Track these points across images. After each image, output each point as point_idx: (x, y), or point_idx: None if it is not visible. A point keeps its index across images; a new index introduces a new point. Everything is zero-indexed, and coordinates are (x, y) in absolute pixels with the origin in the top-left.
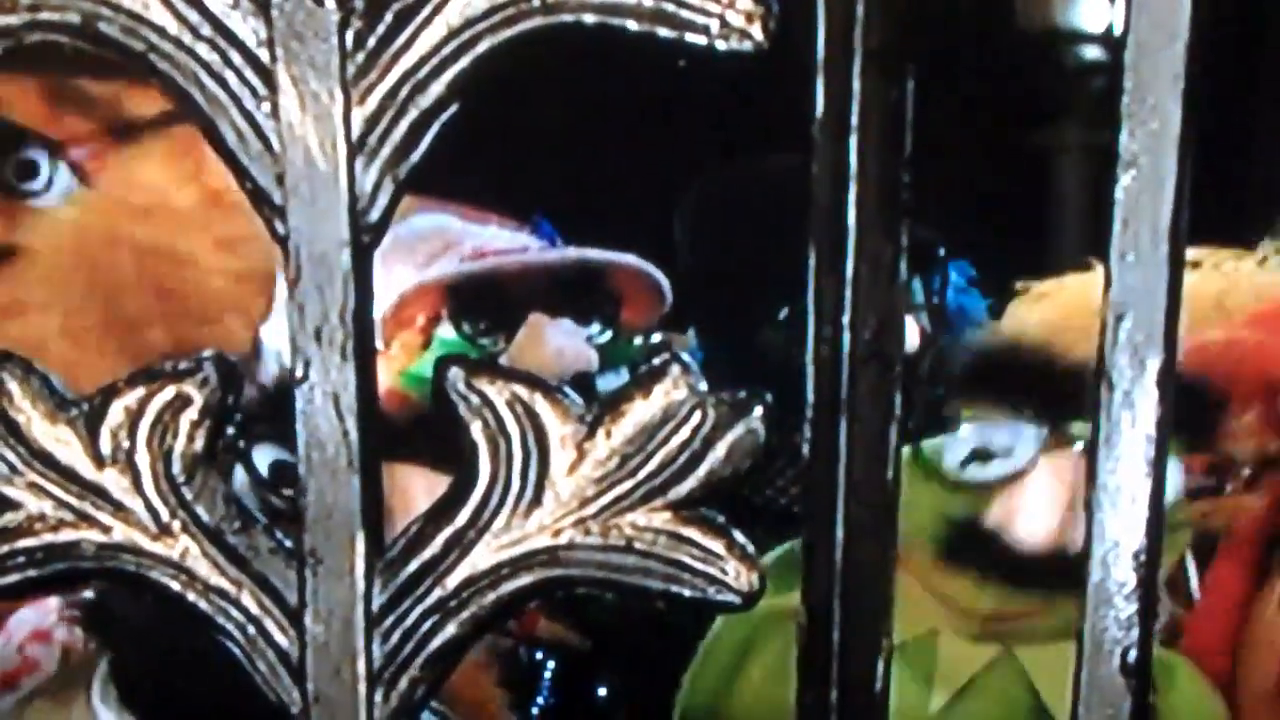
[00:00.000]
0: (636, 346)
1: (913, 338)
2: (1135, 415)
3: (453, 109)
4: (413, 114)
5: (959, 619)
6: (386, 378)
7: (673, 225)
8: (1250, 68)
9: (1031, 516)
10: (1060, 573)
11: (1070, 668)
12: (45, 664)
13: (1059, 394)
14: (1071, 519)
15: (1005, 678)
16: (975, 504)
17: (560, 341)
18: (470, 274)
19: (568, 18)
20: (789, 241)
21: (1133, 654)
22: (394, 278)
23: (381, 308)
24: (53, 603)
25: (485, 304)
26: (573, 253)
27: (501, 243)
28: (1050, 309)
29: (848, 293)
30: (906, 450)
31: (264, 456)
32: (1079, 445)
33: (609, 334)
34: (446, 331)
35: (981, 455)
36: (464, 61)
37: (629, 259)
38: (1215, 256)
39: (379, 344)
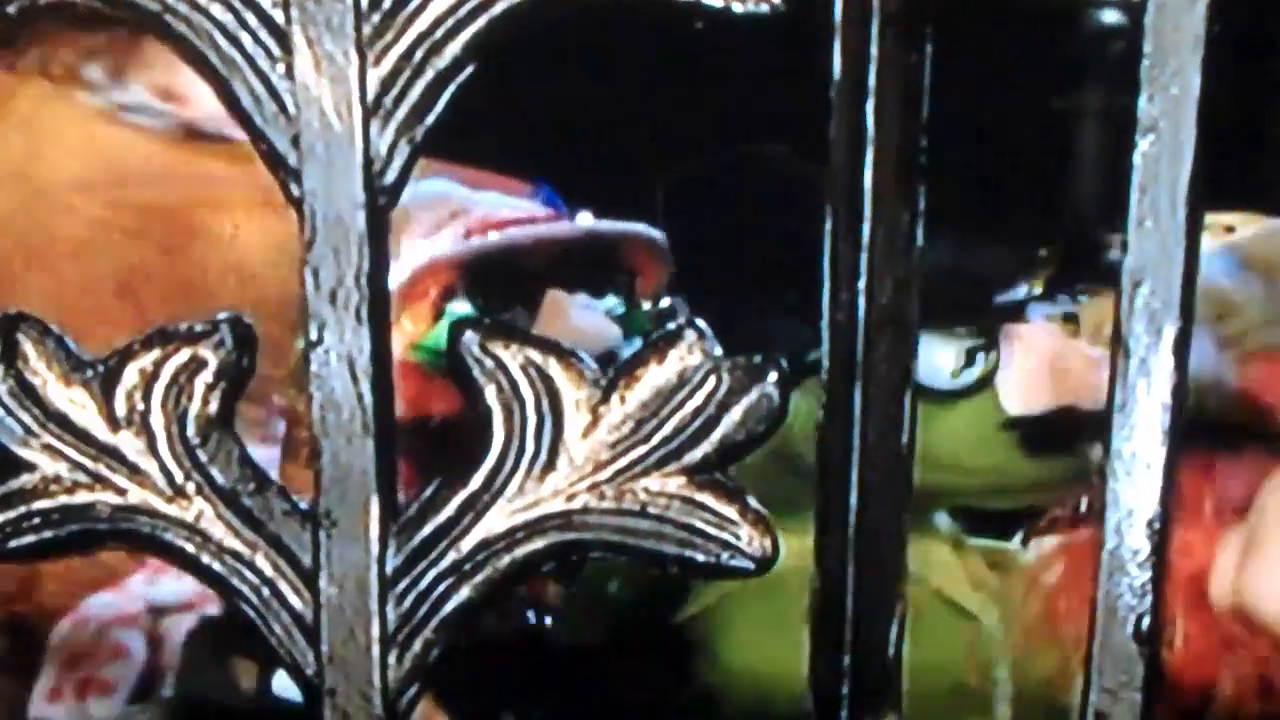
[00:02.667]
0: (647, 312)
1: None
2: (1151, 383)
3: (468, 71)
4: (429, 75)
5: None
6: (398, 350)
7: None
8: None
9: (1033, 384)
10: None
11: None
12: (134, 652)
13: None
14: (1065, 375)
15: None
16: (990, 405)
17: (584, 319)
18: (484, 249)
19: None
20: (768, 224)
21: (1146, 621)
22: (399, 246)
23: (392, 280)
24: (137, 589)
25: (499, 278)
26: (584, 225)
27: (508, 211)
28: None
29: (864, 257)
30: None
31: None
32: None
33: (624, 306)
34: (460, 306)
35: (968, 356)
36: (480, 23)
37: (638, 228)
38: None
39: None
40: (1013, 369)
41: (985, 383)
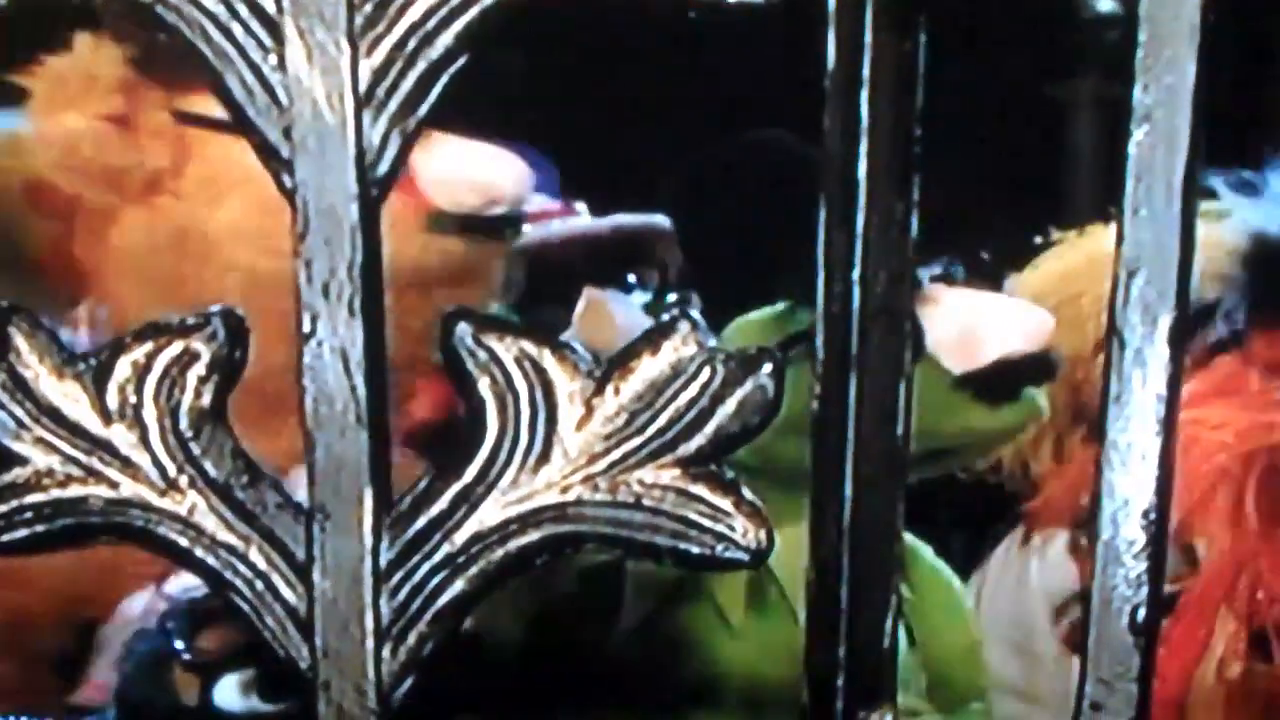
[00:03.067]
0: (667, 305)
1: None
2: (1146, 373)
3: (461, 61)
4: (421, 66)
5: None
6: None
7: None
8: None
9: (962, 342)
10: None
11: None
12: None
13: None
14: (997, 325)
15: None
16: (936, 370)
17: (624, 317)
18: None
19: None
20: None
21: (1142, 612)
22: None
23: None
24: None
25: (530, 276)
26: (612, 219)
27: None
28: None
29: (858, 247)
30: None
31: None
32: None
33: (651, 299)
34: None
35: None
36: (472, 13)
37: (657, 220)
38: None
39: None
40: (940, 333)
41: (916, 355)
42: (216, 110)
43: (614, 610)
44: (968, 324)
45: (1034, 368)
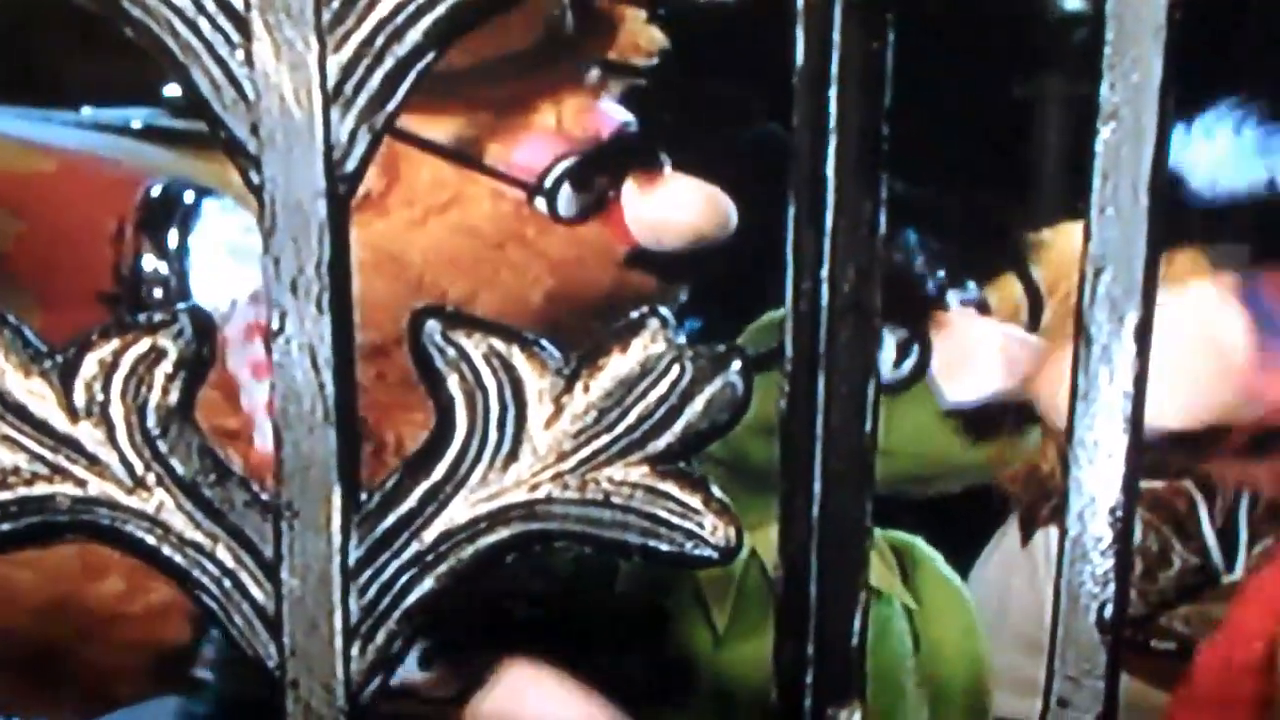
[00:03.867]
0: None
1: None
2: (1113, 370)
3: (430, 57)
4: (389, 62)
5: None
6: None
7: None
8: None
9: (969, 372)
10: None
11: None
12: None
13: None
14: (997, 362)
15: None
16: (930, 395)
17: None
18: None
19: None
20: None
21: (1109, 609)
22: None
23: None
24: None
25: None
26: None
27: None
28: None
29: (826, 245)
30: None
31: None
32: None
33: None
34: None
35: (902, 349)
36: (441, 9)
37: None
38: None
39: None
40: (946, 358)
41: (918, 375)
42: (432, 130)
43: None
44: (972, 353)
45: (1027, 409)
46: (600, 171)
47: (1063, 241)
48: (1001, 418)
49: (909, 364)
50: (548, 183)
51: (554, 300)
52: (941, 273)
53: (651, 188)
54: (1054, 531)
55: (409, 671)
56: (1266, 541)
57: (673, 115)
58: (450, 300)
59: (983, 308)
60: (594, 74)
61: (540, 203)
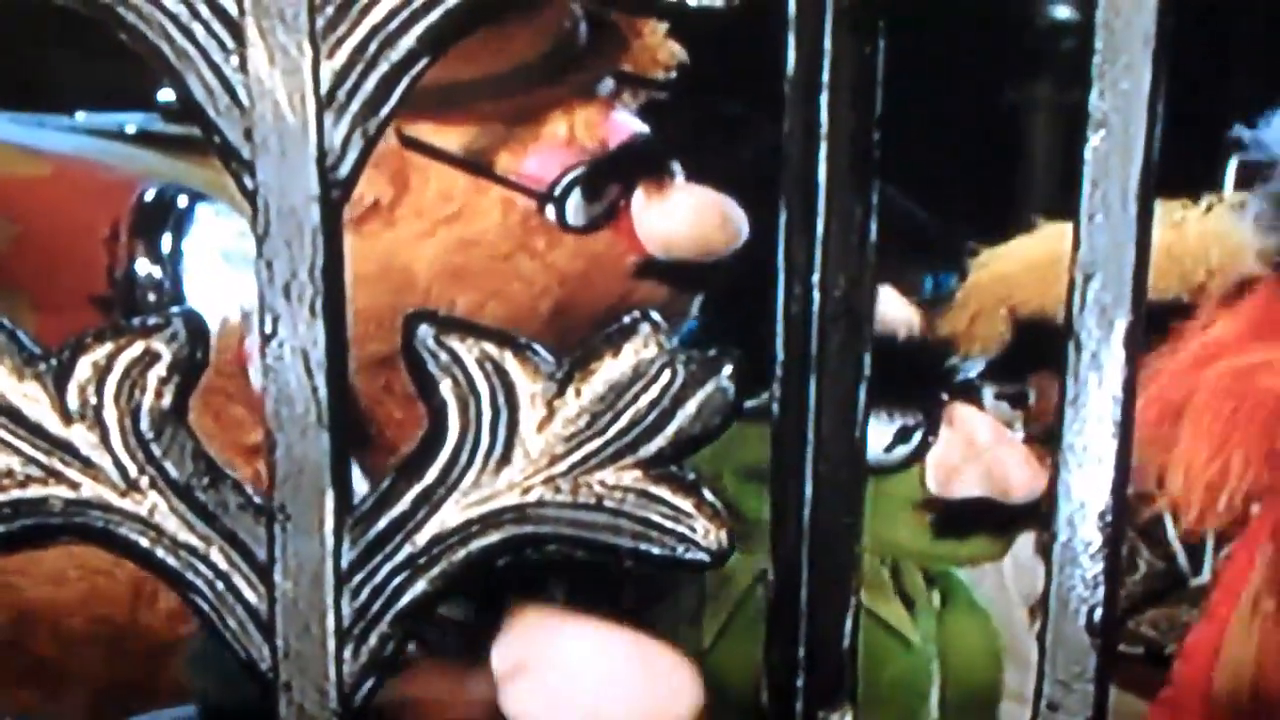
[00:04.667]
0: None
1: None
2: (1102, 376)
3: (423, 63)
4: (383, 68)
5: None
6: None
7: None
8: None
9: (960, 470)
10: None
11: None
12: None
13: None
14: (992, 468)
15: None
16: (912, 481)
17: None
18: None
19: None
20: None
21: (1098, 613)
22: None
23: None
24: None
25: None
26: None
27: None
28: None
29: (818, 251)
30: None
31: None
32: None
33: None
34: None
35: (902, 434)
36: (434, 15)
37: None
38: (1163, 208)
39: None
40: (943, 450)
41: (914, 459)
42: (442, 140)
43: None
44: (969, 455)
45: (999, 518)
46: (610, 180)
47: (997, 264)
48: (979, 518)
49: (904, 450)
50: (557, 191)
51: (562, 311)
52: (979, 367)
53: (661, 197)
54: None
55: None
56: (1233, 545)
57: (686, 126)
58: (457, 309)
59: (1018, 404)
60: (608, 85)
61: (550, 212)
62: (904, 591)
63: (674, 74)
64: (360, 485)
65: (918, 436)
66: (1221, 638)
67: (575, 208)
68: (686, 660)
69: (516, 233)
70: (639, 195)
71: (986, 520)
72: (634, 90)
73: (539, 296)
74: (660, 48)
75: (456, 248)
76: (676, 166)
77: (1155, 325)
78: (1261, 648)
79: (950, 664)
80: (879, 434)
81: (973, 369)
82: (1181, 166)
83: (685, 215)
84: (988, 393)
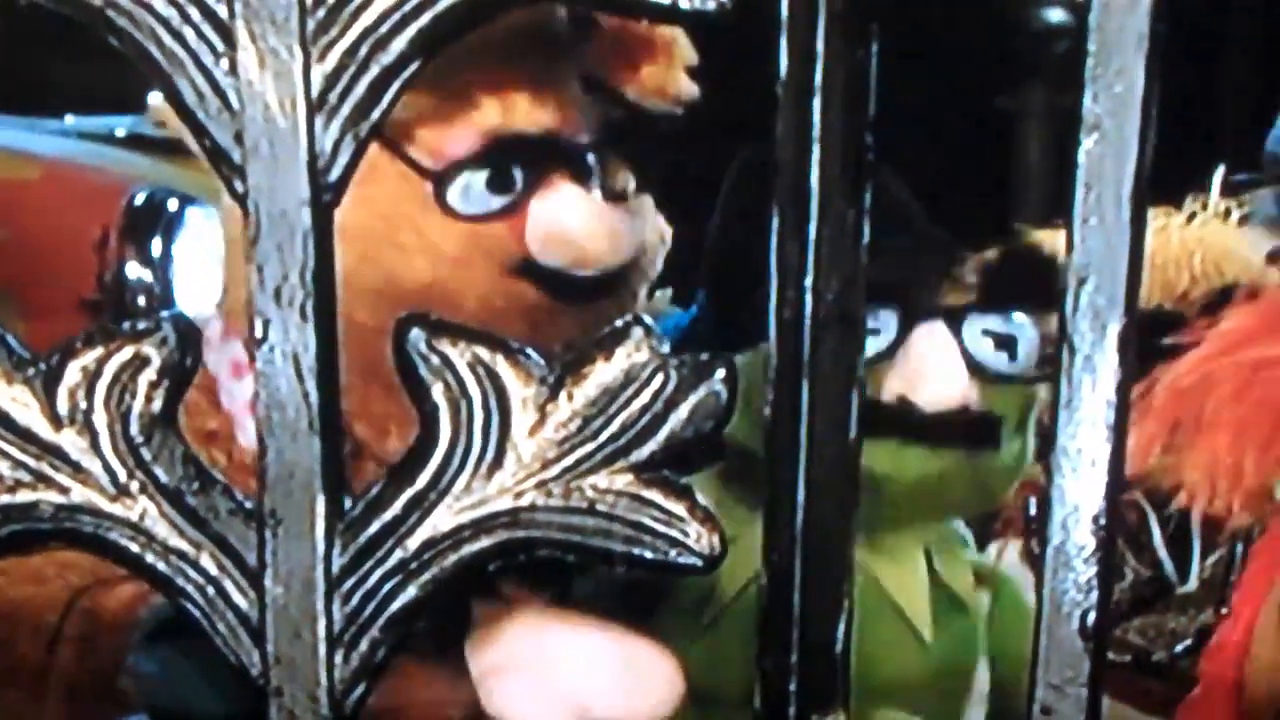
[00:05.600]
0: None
1: None
2: (1096, 379)
3: (414, 67)
4: (374, 71)
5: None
6: None
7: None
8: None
9: (927, 379)
10: (970, 428)
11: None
12: None
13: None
14: (959, 378)
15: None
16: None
17: None
18: None
19: None
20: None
21: (1091, 616)
22: None
23: None
24: None
25: None
26: None
27: None
28: None
29: (810, 255)
30: None
31: None
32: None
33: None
34: None
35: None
36: (425, 18)
37: None
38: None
39: None
40: (921, 360)
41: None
42: None
43: None
44: (932, 362)
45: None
46: (512, 171)
47: None
48: (956, 428)
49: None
50: (447, 173)
51: (428, 293)
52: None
53: (557, 199)
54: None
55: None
56: (1219, 552)
57: (601, 126)
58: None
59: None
60: (575, 89)
61: (446, 193)
62: (952, 591)
63: (679, 111)
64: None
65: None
66: (1248, 636)
67: (464, 193)
68: (666, 652)
69: (407, 205)
70: (540, 193)
71: (957, 430)
72: (608, 104)
73: (409, 271)
74: (673, 82)
75: (353, 207)
76: (595, 175)
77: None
78: None
79: (999, 661)
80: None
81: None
82: (1166, 173)
83: (571, 221)
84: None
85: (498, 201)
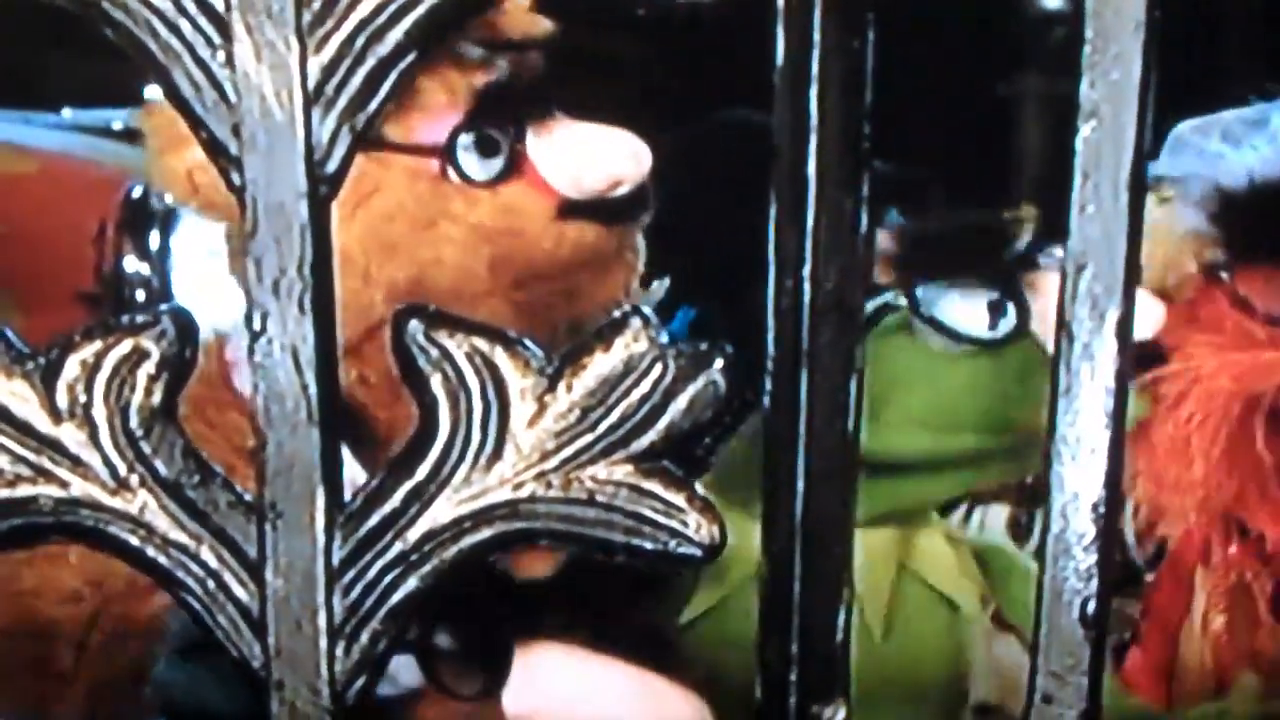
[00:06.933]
0: None
1: None
2: (1094, 367)
3: (411, 58)
4: (370, 63)
5: None
6: None
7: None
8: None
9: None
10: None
11: None
12: None
13: None
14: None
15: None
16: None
17: None
18: None
19: None
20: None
21: (1092, 605)
22: None
23: None
24: None
25: None
26: None
27: None
28: None
29: (808, 244)
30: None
31: None
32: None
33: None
34: None
35: (993, 309)
36: (421, 9)
37: None
38: None
39: None
40: (1046, 313)
41: (1019, 333)
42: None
43: None
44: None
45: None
46: (494, 127)
47: None
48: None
49: (1008, 324)
50: (450, 147)
51: (499, 267)
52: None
53: (552, 138)
54: (994, 512)
55: (414, 678)
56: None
57: (558, 66)
58: (401, 285)
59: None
60: (475, 52)
61: (451, 171)
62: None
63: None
64: (359, 478)
65: (1012, 309)
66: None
67: (473, 161)
68: (695, 695)
69: (429, 200)
70: (531, 140)
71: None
72: (505, 55)
73: (472, 257)
74: (529, 20)
75: (379, 224)
76: (553, 105)
77: None
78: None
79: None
80: (974, 315)
81: (1019, 244)
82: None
83: (580, 151)
84: (1047, 260)
85: (494, 164)
